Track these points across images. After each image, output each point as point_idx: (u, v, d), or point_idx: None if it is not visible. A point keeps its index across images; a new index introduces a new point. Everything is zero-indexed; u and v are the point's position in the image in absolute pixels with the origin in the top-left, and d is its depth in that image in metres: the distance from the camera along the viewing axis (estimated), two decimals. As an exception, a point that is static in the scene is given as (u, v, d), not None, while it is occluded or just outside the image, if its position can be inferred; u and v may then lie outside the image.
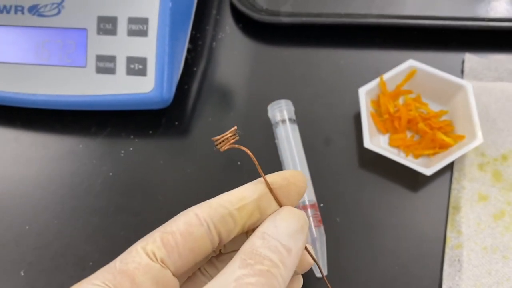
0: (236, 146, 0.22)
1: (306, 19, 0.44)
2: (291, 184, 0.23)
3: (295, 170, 0.24)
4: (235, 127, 0.23)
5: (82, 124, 0.44)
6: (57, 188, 0.42)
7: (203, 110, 0.44)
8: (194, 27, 0.46)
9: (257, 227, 0.22)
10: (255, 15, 0.45)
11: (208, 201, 0.22)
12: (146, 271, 0.20)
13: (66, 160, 0.43)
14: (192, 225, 0.21)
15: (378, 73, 0.42)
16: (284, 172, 0.23)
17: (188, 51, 0.45)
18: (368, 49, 0.45)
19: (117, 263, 0.20)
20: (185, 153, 0.43)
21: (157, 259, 0.20)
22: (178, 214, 0.22)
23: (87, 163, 0.43)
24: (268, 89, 0.44)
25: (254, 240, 0.21)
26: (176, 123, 0.44)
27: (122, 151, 0.43)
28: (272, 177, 0.23)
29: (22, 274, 0.39)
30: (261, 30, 0.46)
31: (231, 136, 0.22)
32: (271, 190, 0.22)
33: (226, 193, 0.22)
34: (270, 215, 0.22)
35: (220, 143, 0.22)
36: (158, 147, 0.43)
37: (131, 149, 0.43)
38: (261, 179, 0.22)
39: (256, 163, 0.22)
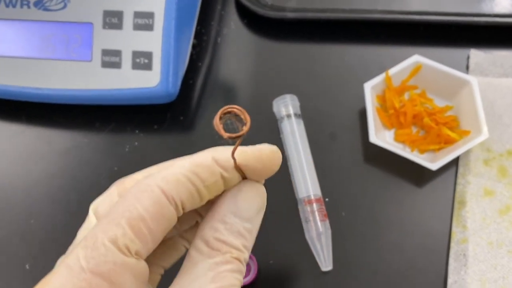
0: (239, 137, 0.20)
1: (311, 14, 0.44)
2: (266, 169, 0.21)
3: (273, 150, 0.21)
4: (246, 129, 0.20)
5: (87, 118, 0.44)
6: (61, 183, 0.42)
7: (208, 105, 0.44)
8: (199, 22, 0.46)
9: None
10: (260, 11, 0.45)
11: (172, 169, 0.19)
12: (124, 271, 0.18)
13: (70, 154, 0.43)
14: (162, 206, 0.19)
15: (383, 68, 0.42)
16: (261, 150, 0.21)
17: (193, 46, 0.45)
18: (373, 44, 0.45)
19: (82, 262, 0.17)
20: (190, 148, 0.42)
21: (131, 253, 0.18)
22: (136, 185, 0.19)
23: (91, 158, 0.43)
24: (273, 84, 0.44)
25: (216, 225, 0.20)
26: (181, 118, 0.44)
27: (127, 146, 0.43)
28: (247, 155, 0.21)
29: (27, 267, 0.39)
30: (266, 26, 0.46)
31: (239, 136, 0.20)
32: (237, 167, 0.20)
33: (196, 157, 0.20)
34: (231, 188, 0.21)
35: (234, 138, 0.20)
36: (163, 142, 0.43)
37: (136, 143, 0.43)
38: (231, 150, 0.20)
39: (239, 140, 0.20)
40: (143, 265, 0.19)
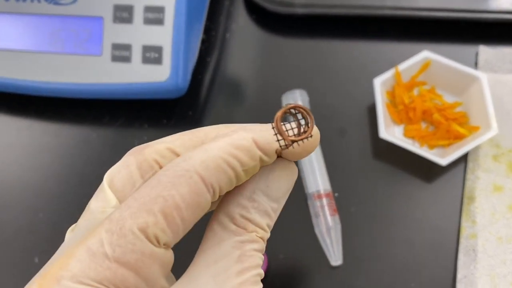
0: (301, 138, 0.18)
1: (320, 10, 0.44)
2: (305, 151, 0.20)
3: (314, 131, 0.19)
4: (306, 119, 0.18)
5: (96, 113, 0.44)
6: (70, 177, 0.42)
7: (217, 100, 0.44)
8: (207, 18, 0.46)
9: None
10: (269, 6, 0.45)
11: (211, 152, 0.18)
12: (152, 261, 0.17)
13: (79, 149, 0.43)
14: (199, 194, 0.17)
15: (392, 65, 0.42)
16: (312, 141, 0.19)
17: (202, 41, 0.45)
18: (382, 40, 0.45)
19: (107, 248, 0.16)
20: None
21: (160, 243, 0.17)
22: (171, 167, 0.17)
23: (100, 152, 0.43)
24: (282, 80, 0.44)
25: (243, 202, 0.19)
26: (190, 113, 0.44)
27: (136, 141, 0.43)
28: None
29: (36, 261, 0.39)
30: (274, 21, 0.46)
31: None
32: (278, 150, 0.19)
33: (236, 139, 0.18)
34: (264, 166, 0.19)
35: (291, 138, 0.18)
36: (172, 137, 0.43)
37: (145, 138, 0.43)
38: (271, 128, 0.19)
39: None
40: (170, 255, 0.18)
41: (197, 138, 0.20)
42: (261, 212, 0.19)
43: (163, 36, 0.40)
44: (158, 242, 0.17)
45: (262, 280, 0.37)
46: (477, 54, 0.43)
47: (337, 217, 0.38)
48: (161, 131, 0.43)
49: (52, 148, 0.43)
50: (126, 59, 0.40)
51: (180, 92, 0.41)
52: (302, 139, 0.18)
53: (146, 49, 0.40)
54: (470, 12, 0.43)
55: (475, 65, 0.43)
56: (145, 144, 0.20)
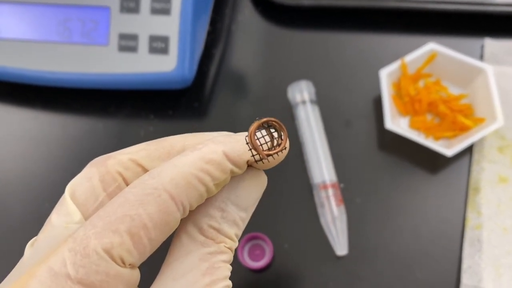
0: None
1: (326, 2, 0.44)
2: (276, 161, 0.19)
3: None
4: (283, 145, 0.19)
5: (101, 103, 0.44)
6: (76, 167, 0.42)
7: (223, 91, 0.44)
8: (213, 9, 0.46)
9: None
10: (275, -2, 0.45)
11: (180, 168, 0.17)
12: (117, 283, 0.16)
13: (85, 139, 0.43)
14: (168, 213, 0.17)
15: (397, 57, 0.42)
16: None
17: (208, 33, 0.46)
18: (388, 33, 0.45)
19: (70, 269, 0.15)
20: (204, 133, 0.43)
21: (125, 264, 0.16)
22: (138, 184, 0.17)
23: (106, 143, 0.43)
24: (287, 72, 0.44)
25: (212, 212, 0.18)
26: (196, 104, 0.44)
27: (142, 131, 0.43)
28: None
29: (43, 250, 0.39)
30: (280, 13, 0.46)
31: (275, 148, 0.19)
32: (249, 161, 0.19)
33: (206, 153, 0.18)
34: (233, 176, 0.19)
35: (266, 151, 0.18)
36: (177, 128, 0.43)
37: (151, 129, 0.43)
38: (244, 136, 0.18)
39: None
40: (136, 274, 0.17)
41: (163, 149, 0.19)
42: (230, 222, 0.18)
43: (169, 26, 0.40)
44: (123, 262, 0.16)
45: (267, 269, 0.38)
46: (482, 47, 0.43)
47: (342, 207, 0.38)
48: (166, 121, 0.43)
49: (58, 138, 0.43)
50: (133, 49, 0.40)
51: (186, 82, 0.41)
52: (277, 152, 0.18)
53: (153, 39, 0.40)
54: (476, 4, 0.43)
55: (481, 58, 0.43)
56: (107, 155, 0.20)
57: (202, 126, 0.43)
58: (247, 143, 0.18)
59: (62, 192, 0.45)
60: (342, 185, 0.39)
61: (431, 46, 0.41)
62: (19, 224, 0.41)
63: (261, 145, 0.18)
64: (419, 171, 0.40)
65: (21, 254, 0.42)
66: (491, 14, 0.43)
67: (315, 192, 0.39)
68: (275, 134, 0.19)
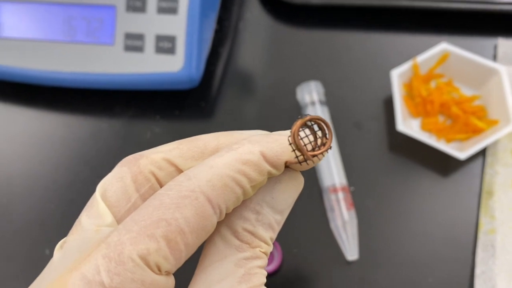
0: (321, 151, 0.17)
1: (336, 0, 0.44)
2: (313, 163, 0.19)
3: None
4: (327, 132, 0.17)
5: (107, 103, 0.43)
6: (81, 168, 0.42)
7: (230, 91, 0.43)
8: (220, 8, 0.45)
9: None
10: (283, -4, 0.44)
11: (217, 169, 0.17)
12: None
13: (90, 140, 0.42)
14: (205, 217, 0.16)
15: (408, 57, 0.41)
16: None
17: (215, 32, 0.45)
18: (399, 32, 0.44)
19: (104, 276, 0.15)
20: (212, 135, 0.42)
21: (161, 271, 0.16)
22: (174, 186, 0.16)
23: (112, 143, 0.42)
24: (296, 72, 0.44)
25: (246, 215, 0.18)
26: (202, 104, 0.43)
27: (148, 132, 0.42)
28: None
29: (47, 252, 0.39)
30: (288, 12, 0.46)
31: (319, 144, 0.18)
32: (292, 163, 0.18)
33: (243, 153, 0.17)
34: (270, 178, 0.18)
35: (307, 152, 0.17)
36: (184, 128, 0.42)
37: (157, 129, 0.42)
38: (286, 135, 0.18)
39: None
40: (171, 282, 0.16)
41: (196, 148, 0.19)
42: (265, 225, 0.18)
43: (176, 25, 0.39)
44: (159, 270, 0.15)
45: (276, 274, 0.37)
46: (496, 47, 0.43)
47: (353, 211, 0.37)
48: (173, 122, 0.43)
49: (63, 139, 0.43)
50: (139, 49, 0.39)
51: (193, 83, 0.40)
52: (322, 152, 0.17)
53: (159, 38, 0.39)
54: (489, 3, 0.42)
55: (494, 58, 0.42)
56: (139, 154, 0.19)
57: (208, 127, 0.43)
58: (290, 144, 0.17)
59: (68, 193, 0.44)
60: (352, 188, 0.39)
61: (444, 46, 0.40)
62: (23, 225, 0.40)
63: (305, 145, 0.17)
64: (431, 174, 0.39)
65: (26, 255, 0.41)
66: (505, 13, 0.42)
67: (325, 196, 0.38)
68: (319, 133, 0.18)
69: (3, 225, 0.40)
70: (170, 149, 0.19)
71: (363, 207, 0.38)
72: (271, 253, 0.36)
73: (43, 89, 0.43)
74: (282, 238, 0.36)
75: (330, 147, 0.18)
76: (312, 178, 0.39)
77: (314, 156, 0.17)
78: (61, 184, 0.41)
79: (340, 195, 0.37)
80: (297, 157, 0.17)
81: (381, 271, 0.36)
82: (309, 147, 0.17)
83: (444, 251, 0.37)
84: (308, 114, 0.18)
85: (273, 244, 0.35)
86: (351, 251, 0.36)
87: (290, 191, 0.19)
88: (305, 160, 0.17)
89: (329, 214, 0.37)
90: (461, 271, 0.36)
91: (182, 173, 0.17)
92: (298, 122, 0.17)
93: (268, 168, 0.17)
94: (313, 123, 0.18)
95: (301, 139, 0.17)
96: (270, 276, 0.37)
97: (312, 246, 0.37)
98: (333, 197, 0.37)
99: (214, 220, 0.16)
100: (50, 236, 0.39)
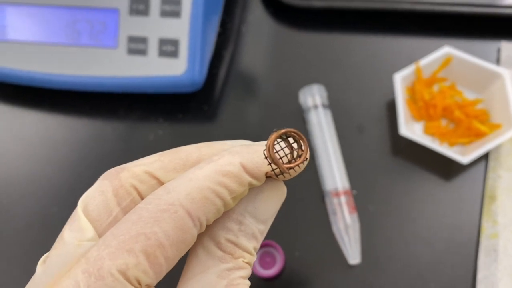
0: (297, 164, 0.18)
1: (338, 3, 0.44)
2: (295, 171, 0.19)
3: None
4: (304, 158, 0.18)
5: (111, 106, 0.43)
6: (84, 171, 0.42)
7: (233, 94, 0.44)
8: (223, 11, 0.45)
9: None
10: (286, -1, 0.44)
11: (196, 182, 0.17)
12: None
13: (94, 143, 0.43)
14: (185, 231, 0.16)
15: (411, 60, 0.41)
16: None
17: (217, 35, 0.45)
18: (402, 35, 0.44)
19: None
20: (214, 138, 0.42)
21: (141, 285, 0.16)
22: (153, 199, 0.16)
23: (115, 146, 0.42)
24: (299, 75, 0.44)
25: (229, 225, 0.18)
26: (206, 107, 0.43)
27: (152, 135, 0.42)
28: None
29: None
30: (291, 15, 0.46)
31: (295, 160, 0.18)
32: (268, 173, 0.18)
33: (223, 165, 0.17)
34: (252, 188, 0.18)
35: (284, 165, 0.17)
36: (187, 131, 0.42)
37: (160, 132, 0.42)
38: (262, 147, 0.18)
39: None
40: None
41: (178, 160, 0.19)
42: (248, 235, 0.18)
43: (180, 28, 0.39)
44: (139, 283, 0.15)
45: (278, 277, 0.37)
46: (499, 50, 0.42)
47: (355, 215, 0.37)
48: (176, 125, 0.43)
49: (67, 142, 0.43)
50: (142, 52, 0.39)
51: (196, 86, 0.40)
52: (298, 164, 0.17)
53: (163, 42, 0.39)
54: (493, 7, 0.42)
55: (497, 62, 0.42)
56: (121, 167, 0.19)
57: (212, 130, 0.43)
58: (265, 157, 0.17)
59: (71, 196, 0.44)
60: (354, 192, 0.39)
61: (447, 50, 0.40)
62: (26, 228, 0.40)
63: (280, 158, 0.17)
64: (434, 178, 0.39)
65: (28, 257, 0.41)
66: (508, 17, 0.42)
67: (327, 199, 0.38)
68: (295, 145, 0.18)
69: (4, 226, 0.40)
70: (151, 162, 0.19)
71: (366, 211, 0.38)
72: (274, 256, 0.36)
73: (47, 92, 0.43)
74: (285, 242, 0.37)
75: (307, 159, 0.18)
76: (314, 181, 0.39)
77: (290, 168, 0.17)
78: (64, 187, 0.41)
79: (343, 198, 0.37)
80: (273, 170, 0.17)
81: (383, 275, 0.36)
82: (285, 159, 0.18)
83: (446, 255, 0.37)
84: (284, 127, 0.18)
85: (276, 247, 0.35)
86: (353, 254, 0.36)
87: (272, 201, 0.19)
88: (282, 173, 0.17)
89: (331, 218, 0.37)
90: (463, 275, 0.36)
91: (161, 186, 0.17)
92: (273, 136, 0.17)
93: (249, 179, 0.17)
94: (288, 136, 0.18)
95: (277, 152, 0.17)
96: (272, 279, 0.37)
97: (314, 250, 0.37)
98: (335, 200, 0.37)
99: (194, 232, 0.16)
100: (52, 239, 0.39)
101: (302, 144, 0.18)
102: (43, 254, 0.41)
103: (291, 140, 0.18)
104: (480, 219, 0.37)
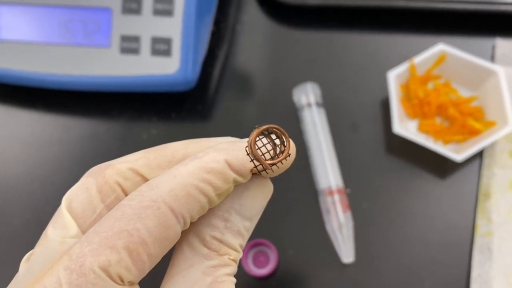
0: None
1: (332, 1, 0.43)
2: (282, 168, 0.19)
3: (292, 148, 0.19)
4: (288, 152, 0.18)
5: (104, 106, 0.43)
6: (78, 170, 0.42)
7: (227, 93, 0.43)
8: (217, 9, 0.45)
9: None
10: (280, -3, 0.44)
11: (180, 178, 0.16)
12: None
13: (88, 142, 0.43)
14: (168, 227, 0.16)
15: (405, 58, 0.41)
16: None
17: (211, 33, 0.45)
18: (396, 33, 0.44)
19: None
20: (208, 136, 0.42)
21: (124, 282, 0.15)
22: (136, 196, 0.16)
23: (109, 146, 0.42)
24: (293, 73, 0.43)
25: (215, 222, 0.18)
26: (199, 106, 0.43)
27: (145, 134, 0.42)
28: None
29: (45, 255, 0.39)
30: (286, 13, 0.45)
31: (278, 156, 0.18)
32: (253, 170, 0.18)
33: (207, 162, 0.17)
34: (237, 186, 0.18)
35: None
36: (181, 130, 0.42)
37: (154, 131, 0.42)
38: (245, 143, 0.18)
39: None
40: None
41: (163, 157, 0.19)
42: (234, 232, 0.18)
43: (172, 27, 0.39)
44: (122, 280, 0.15)
45: (272, 276, 0.37)
46: (493, 47, 0.42)
47: (349, 213, 0.37)
48: (169, 124, 0.43)
49: (61, 141, 0.43)
50: (135, 51, 0.39)
51: (189, 84, 0.40)
52: (280, 161, 0.17)
53: (155, 41, 0.39)
54: (487, 4, 0.42)
55: (492, 59, 0.42)
56: (106, 164, 0.19)
57: (205, 129, 0.42)
58: (247, 154, 0.17)
59: (64, 194, 0.44)
60: (348, 190, 0.38)
61: (441, 47, 0.40)
62: (21, 228, 0.40)
63: (263, 154, 0.17)
64: (428, 176, 0.39)
65: (22, 256, 0.41)
66: (503, 14, 0.42)
67: (320, 198, 0.38)
68: (277, 141, 0.18)
69: (0, 226, 0.40)
70: (136, 159, 0.19)
71: (359, 209, 0.38)
72: (267, 255, 0.36)
73: (40, 92, 0.43)
74: (278, 240, 0.36)
75: (289, 155, 0.17)
76: (308, 180, 0.39)
77: (272, 165, 0.17)
78: (58, 186, 0.41)
79: (336, 197, 0.37)
80: (255, 166, 0.17)
81: (376, 274, 0.36)
82: (268, 156, 0.17)
83: (441, 253, 0.37)
84: (266, 123, 0.17)
85: (269, 246, 0.35)
86: (346, 253, 0.36)
87: (258, 198, 0.19)
88: (264, 169, 0.17)
89: (325, 216, 0.37)
90: (457, 274, 0.36)
91: (145, 183, 0.17)
92: (255, 132, 0.17)
93: (234, 176, 0.17)
94: (270, 132, 0.17)
95: (259, 148, 0.17)
96: (266, 278, 0.37)
97: (308, 249, 0.37)
98: (329, 199, 0.37)
99: (178, 229, 0.16)
100: (47, 238, 0.40)
101: (285, 140, 0.17)
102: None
103: (273, 136, 0.18)
104: (474, 217, 0.37)
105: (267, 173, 0.18)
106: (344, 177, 0.39)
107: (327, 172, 0.38)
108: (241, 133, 0.43)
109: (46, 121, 0.43)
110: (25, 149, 0.43)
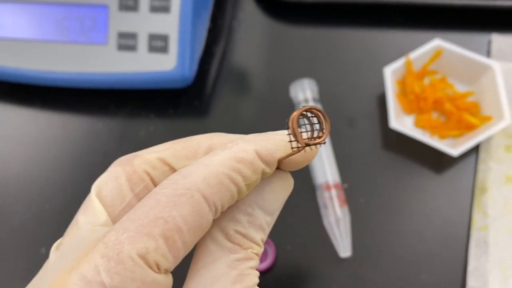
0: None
1: (329, -3, 0.44)
2: (306, 161, 0.19)
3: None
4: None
5: (101, 103, 0.43)
6: (76, 168, 0.42)
7: (224, 90, 0.44)
8: (214, 6, 0.45)
9: None
10: (277, -6, 0.44)
11: (213, 167, 0.17)
12: None
13: (85, 139, 0.43)
14: (202, 215, 0.16)
15: (402, 53, 0.41)
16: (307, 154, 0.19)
17: (208, 30, 0.45)
18: (392, 28, 0.44)
19: (104, 276, 0.15)
20: (206, 133, 0.42)
21: (160, 270, 0.16)
22: (170, 184, 0.16)
23: (106, 143, 0.42)
24: (290, 69, 0.44)
25: (238, 217, 0.18)
26: (197, 102, 0.43)
27: (143, 131, 0.42)
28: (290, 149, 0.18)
29: (43, 251, 0.39)
30: (282, 10, 0.45)
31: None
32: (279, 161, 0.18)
33: (237, 151, 0.17)
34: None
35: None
36: (179, 127, 0.42)
37: (151, 128, 0.42)
38: (280, 134, 0.18)
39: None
40: (170, 280, 0.16)
41: (190, 148, 0.19)
42: (256, 226, 0.18)
43: (169, 24, 0.39)
44: (158, 268, 0.15)
45: (269, 271, 0.37)
46: (489, 43, 0.42)
47: (346, 208, 0.37)
48: (167, 121, 0.43)
49: (58, 139, 0.43)
50: (132, 48, 0.39)
51: (186, 81, 0.40)
52: (316, 144, 0.17)
53: (152, 37, 0.39)
54: (483, -1, 0.42)
55: (488, 54, 0.42)
56: (133, 154, 0.19)
57: (203, 125, 0.43)
58: (287, 128, 0.17)
59: (62, 193, 0.44)
60: (345, 185, 0.39)
61: (437, 43, 0.40)
62: (19, 224, 0.40)
63: (301, 132, 0.17)
64: (424, 171, 0.39)
65: (22, 254, 0.41)
66: (499, 9, 0.42)
67: (318, 193, 0.38)
68: (316, 126, 0.18)
69: (-1, 224, 0.40)
70: (164, 149, 0.19)
71: (356, 204, 0.38)
72: (265, 250, 0.36)
73: (37, 89, 0.43)
74: (276, 236, 0.37)
75: (324, 142, 0.18)
76: (305, 175, 0.39)
77: (307, 145, 0.17)
78: (56, 183, 0.41)
79: (333, 192, 0.37)
80: (290, 141, 0.17)
81: (374, 268, 0.36)
82: (305, 135, 0.17)
83: (437, 247, 0.37)
84: (309, 105, 0.17)
85: (267, 241, 0.35)
86: (344, 248, 0.36)
87: (280, 192, 0.19)
88: (298, 148, 0.17)
89: (322, 211, 0.38)
90: (454, 267, 0.36)
91: (177, 172, 0.17)
92: (298, 111, 0.17)
93: (262, 166, 0.17)
94: (312, 114, 0.17)
95: (299, 126, 0.17)
96: (263, 273, 0.37)
97: (305, 243, 0.38)
98: (326, 194, 0.37)
99: (210, 217, 0.16)
100: (45, 236, 0.40)
101: (325, 126, 0.17)
102: (37, 250, 0.41)
103: (314, 120, 0.18)
104: (471, 211, 0.37)
105: (305, 151, 0.18)
106: (341, 172, 0.39)
107: (324, 167, 0.38)
108: (238, 129, 0.43)
109: (43, 119, 0.43)
110: (21, 147, 0.43)
